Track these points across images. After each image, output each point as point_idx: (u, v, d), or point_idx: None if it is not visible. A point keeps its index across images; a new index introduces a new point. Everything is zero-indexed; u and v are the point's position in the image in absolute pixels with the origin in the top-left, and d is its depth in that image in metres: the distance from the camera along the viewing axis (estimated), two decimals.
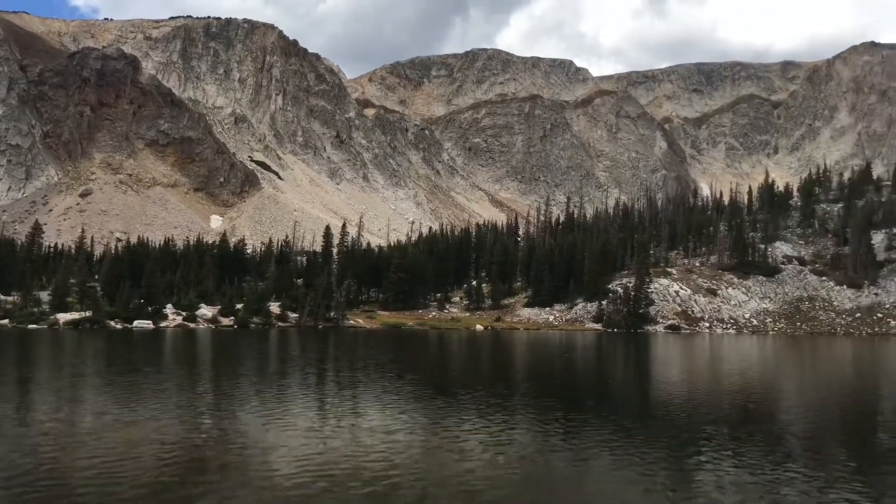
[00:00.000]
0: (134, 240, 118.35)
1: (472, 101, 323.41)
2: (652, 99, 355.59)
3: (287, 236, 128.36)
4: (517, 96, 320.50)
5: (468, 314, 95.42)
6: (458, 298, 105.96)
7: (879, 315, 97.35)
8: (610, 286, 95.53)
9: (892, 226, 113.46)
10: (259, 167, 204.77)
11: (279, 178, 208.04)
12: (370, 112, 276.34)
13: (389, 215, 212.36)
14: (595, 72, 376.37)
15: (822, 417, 20.43)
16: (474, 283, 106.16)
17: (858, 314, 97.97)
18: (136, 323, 65.83)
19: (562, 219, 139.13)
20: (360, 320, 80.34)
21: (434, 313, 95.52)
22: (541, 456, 13.49)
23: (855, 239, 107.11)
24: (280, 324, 73.98)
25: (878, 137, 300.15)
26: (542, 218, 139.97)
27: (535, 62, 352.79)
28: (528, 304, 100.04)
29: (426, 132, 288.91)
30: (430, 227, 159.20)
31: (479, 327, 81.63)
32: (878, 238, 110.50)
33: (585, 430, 15.80)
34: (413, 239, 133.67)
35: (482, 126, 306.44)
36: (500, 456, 13.17)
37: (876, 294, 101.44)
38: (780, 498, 10.76)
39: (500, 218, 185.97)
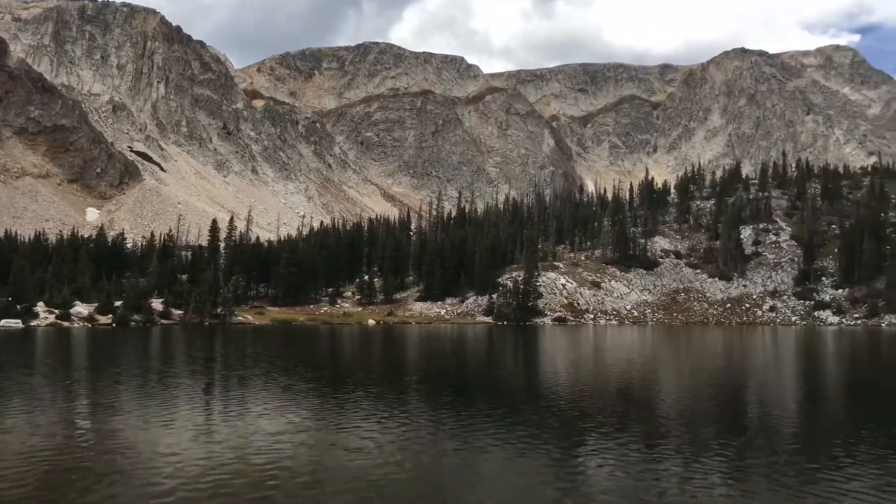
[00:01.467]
0: (0, 234, 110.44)
1: (363, 95, 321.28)
2: (540, 97, 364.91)
3: (171, 230, 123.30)
4: (409, 91, 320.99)
5: (360, 309, 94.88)
6: (350, 293, 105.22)
7: (747, 305, 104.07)
8: (500, 280, 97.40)
9: (758, 222, 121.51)
10: (140, 158, 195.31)
11: (161, 169, 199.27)
12: (259, 103, 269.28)
13: (279, 209, 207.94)
14: (486, 69, 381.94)
15: (697, 401, 21.62)
16: (366, 277, 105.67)
17: (729, 304, 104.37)
18: (2, 322, 61.50)
19: (453, 213, 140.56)
20: (248, 316, 78.32)
21: (326, 308, 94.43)
22: (433, 450, 13.59)
23: (725, 234, 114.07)
24: (163, 321, 70.98)
25: (746, 138, 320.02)
26: (434, 213, 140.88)
27: (427, 57, 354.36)
28: (421, 299, 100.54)
29: (317, 125, 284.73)
30: (322, 222, 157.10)
31: (371, 322, 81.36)
32: (746, 233, 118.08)
33: (478, 423, 16.05)
34: (304, 233, 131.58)
35: (374, 120, 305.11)
36: (393, 453, 13.15)
37: (744, 286, 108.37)
38: (666, 481, 11.29)
39: (393, 212, 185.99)
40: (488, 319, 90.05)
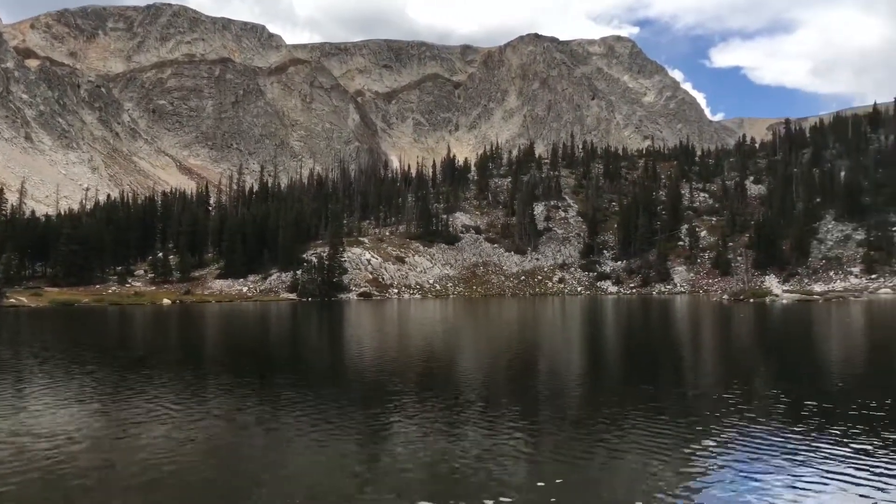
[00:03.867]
0: None
1: (155, 60, 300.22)
2: (345, 71, 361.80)
3: None
4: (206, 58, 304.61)
5: (154, 288, 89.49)
6: (142, 272, 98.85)
7: (539, 277, 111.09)
8: (305, 256, 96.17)
9: (550, 199, 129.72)
10: None
11: None
12: (33, 63, 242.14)
13: (59, 181, 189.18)
14: (289, 40, 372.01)
15: (495, 370, 22.77)
16: (161, 254, 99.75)
17: (523, 277, 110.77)
18: None
19: (255, 188, 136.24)
20: (23, 298, 70.94)
21: (114, 288, 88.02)
22: (234, 436, 13.16)
23: (521, 210, 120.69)
24: None
25: (539, 120, 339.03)
26: (234, 187, 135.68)
27: (226, 24, 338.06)
28: (221, 276, 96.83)
29: (102, 90, 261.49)
30: (109, 195, 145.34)
31: (166, 301, 76.95)
32: (539, 210, 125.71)
33: (282, 404, 15.78)
34: (88, 207, 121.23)
35: (168, 87, 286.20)
36: (187, 441, 12.58)
37: (537, 259, 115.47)
38: (461, 449, 11.75)
39: (190, 186, 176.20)
40: (293, 296, 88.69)
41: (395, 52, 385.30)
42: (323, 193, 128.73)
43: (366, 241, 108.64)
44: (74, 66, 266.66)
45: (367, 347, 30.57)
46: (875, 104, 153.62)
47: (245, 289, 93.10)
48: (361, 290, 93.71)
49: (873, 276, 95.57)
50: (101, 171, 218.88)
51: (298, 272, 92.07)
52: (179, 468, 10.66)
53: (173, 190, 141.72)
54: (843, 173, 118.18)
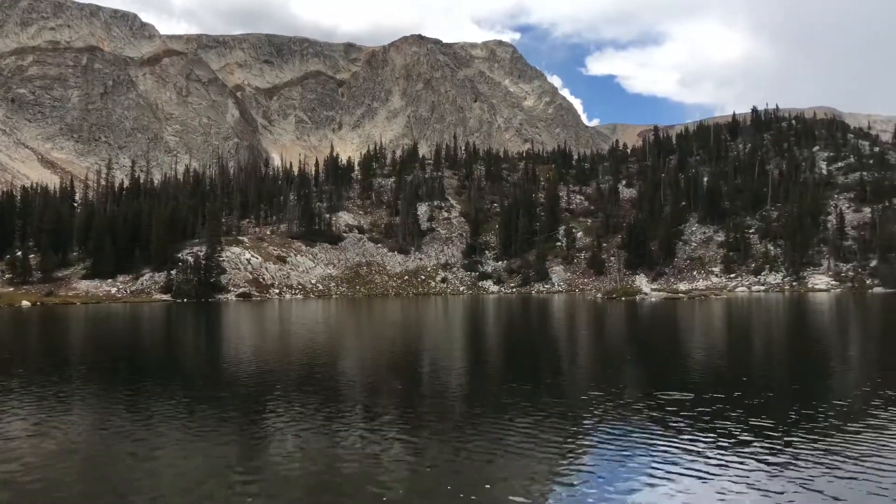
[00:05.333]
0: None
1: (15, 46, 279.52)
2: (224, 65, 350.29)
3: None
4: (72, 46, 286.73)
5: (12, 289, 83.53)
6: None
7: (423, 277, 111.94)
8: (180, 255, 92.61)
9: (433, 199, 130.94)
10: None
11: None
12: None
13: None
14: (163, 30, 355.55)
15: (377, 371, 22.80)
16: (19, 253, 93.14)
17: (406, 277, 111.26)
18: None
19: (126, 184, 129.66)
20: None
21: None
22: (100, 443, 12.56)
23: (404, 210, 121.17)
24: None
25: (423, 121, 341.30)
26: (103, 182, 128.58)
27: (94, 10, 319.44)
28: (88, 276, 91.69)
29: None
30: None
31: (25, 303, 71.98)
32: (422, 210, 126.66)
33: (154, 411, 15.16)
34: None
35: (29, 75, 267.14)
36: (53, 453, 11.90)
37: (420, 259, 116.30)
38: (342, 452, 11.73)
39: (53, 181, 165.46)
40: (167, 297, 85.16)
41: (276, 48, 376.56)
42: (200, 191, 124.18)
43: (245, 240, 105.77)
44: None
45: (244, 350, 29.83)
46: (734, 114, 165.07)
47: (114, 290, 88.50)
48: (241, 290, 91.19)
49: (732, 276, 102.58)
50: None
51: (173, 272, 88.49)
52: (48, 484, 10.06)
53: (35, 185, 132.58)
54: (705, 179, 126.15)
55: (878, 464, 10.10)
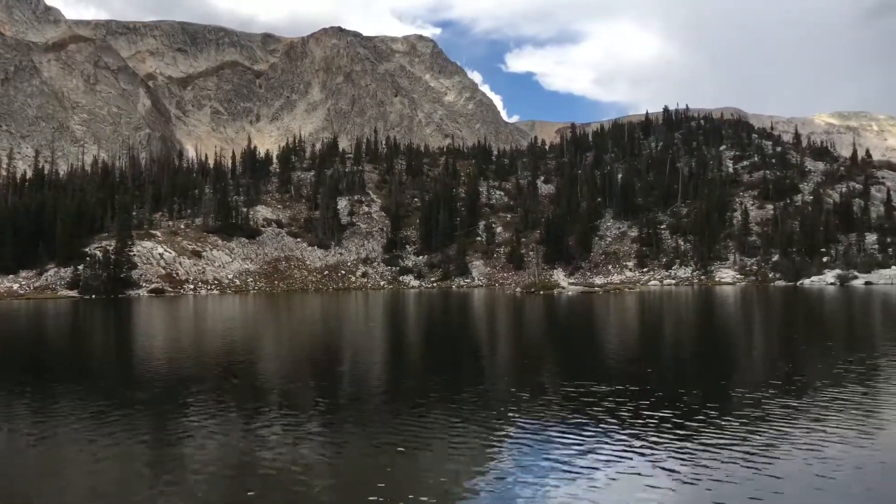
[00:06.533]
0: None
1: None
2: (134, 52, 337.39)
3: None
4: None
5: None
6: None
7: (343, 272, 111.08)
8: (88, 250, 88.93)
9: (353, 194, 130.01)
10: None
11: None
12: None
13: None
14: (70, 14, 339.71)
15: (295, 367, 22.55)
16: None
17: (327, 272, 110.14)
18: None
19: (30, 175, 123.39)
20: None
21: None
22: (5, 447, 11.99)
23: (324, 204, 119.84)
24: None
25: (343, 114, 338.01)
26: (4, 173, 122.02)
27: None
28: None
29: None
30: None
31: None
32: (342, 204, 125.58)
33: (60, 411, 14.55)
34: None
35: None
36: None
37: (340, 254, 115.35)
38: (259, 450, 11.58)
39: None
40: (73, 293, 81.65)
41: (190, 36, 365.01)
42: (109, 183, 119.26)
43: (158, 234, 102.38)
44: None
45: (157, 349, 28.94)
46: (647, 113, 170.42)
47: (16, 286, 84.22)
48: (153, 286, 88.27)
49: (645, 270, 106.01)
50: None
51: (80, 267, 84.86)
52: None
53: None
54: (620, 175, 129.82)
55: (788, 449, 10.71)
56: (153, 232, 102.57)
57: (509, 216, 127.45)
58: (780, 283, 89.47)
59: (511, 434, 12.11)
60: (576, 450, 10.79)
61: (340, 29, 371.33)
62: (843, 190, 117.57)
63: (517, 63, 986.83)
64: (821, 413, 12.81)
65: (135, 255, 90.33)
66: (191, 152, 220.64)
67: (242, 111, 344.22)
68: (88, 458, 11.03)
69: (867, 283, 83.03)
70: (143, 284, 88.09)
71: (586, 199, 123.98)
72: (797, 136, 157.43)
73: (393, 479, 9.80)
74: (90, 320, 48.72)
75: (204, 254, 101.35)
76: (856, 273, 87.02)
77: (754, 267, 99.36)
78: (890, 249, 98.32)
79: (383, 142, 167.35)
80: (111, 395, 16.53)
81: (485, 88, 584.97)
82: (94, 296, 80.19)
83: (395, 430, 12.33)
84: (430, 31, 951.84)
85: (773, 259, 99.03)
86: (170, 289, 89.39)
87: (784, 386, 15.57)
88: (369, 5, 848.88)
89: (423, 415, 13.56)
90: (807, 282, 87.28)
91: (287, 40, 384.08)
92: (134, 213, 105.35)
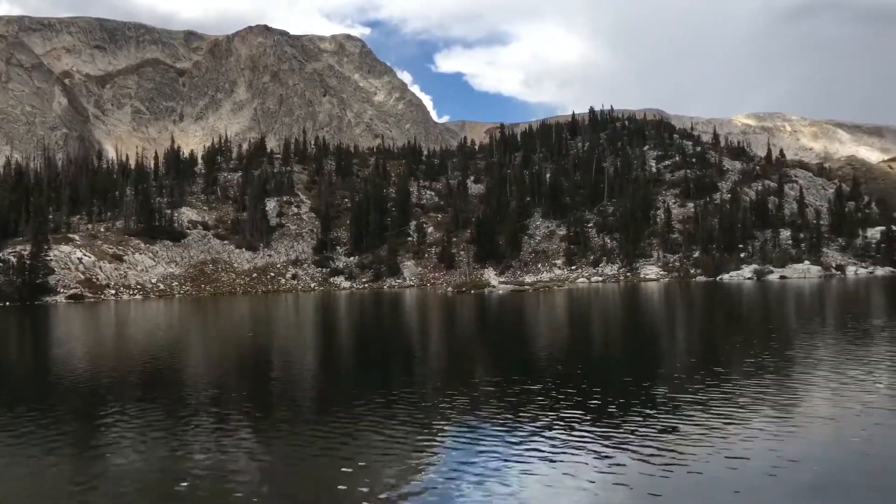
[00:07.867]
0: None
1: None
2: (49, 50, 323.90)
3: None
4: None
5: None
6: None
7: (272, 274, 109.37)
8: (1, 255, 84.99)
9: (282, 194, 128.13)
10: None
11: None
12: None
13: None
14: None
15: (222, 372, 22.06)
16: None
17: (255, 274, 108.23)
18: None
19: None
20: None
21: None
22: None
23: (252, 206, 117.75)
24: None
25: (271, 114, 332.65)
26: None
27: None
28: None
29: None
30: None
31: None
32: (271, 205, 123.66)
33: None
34: None
35: None
36: None
37: (269, 255, 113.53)
38: (185, 458, 11.30)
39: None
40: None
41: (109, 33, 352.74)
42: (23, 185, 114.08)
43: (77, 237, 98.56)
44: None
45: (75, 355, 27.85)
46: (574, 114, 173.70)
47: None
48: (72, 291, 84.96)
49: (573, 268, 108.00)
50: None
51: None
52: None
53: None
54: (548, 175, 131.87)
55: (713, 441, 11.07)
56: (71, 236, 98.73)
57: (440, 216, 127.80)
58: (701, 278, 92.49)
59: (443, 433, 12.15)
60: (509, 449, 10.87)
61: (267, 27, 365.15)
62: (759, 188, 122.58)
63: (447, 63, 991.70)
64: (741, 405, 13.30)
65: (52, 259, 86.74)
66: (111, 153, 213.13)
67: (165, 110, 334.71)
68: (4, 474, 10.56)
69: (782, 277, 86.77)
70: (61, 290, 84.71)
71: (516, 198, 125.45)
72: (716, 136, 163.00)
73: (325, 482, 9.69)
74: (2, 328, 46.55)
75: (126, 257, 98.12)
76: (771, 268, 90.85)
77: (676, 263, 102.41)
78: (803, 245, 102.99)
79: (312, 142, 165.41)
80: (22, 407, 15.78)
81: (414, 89, 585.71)
82: (7, 303, 76.66)
83: (326, 434, 12.20)
84: (358, 31, 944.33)
85: (695, 255, 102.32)
86: (90, 294, 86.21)
87: (706, 379, 16.10)
88: (296, 4, 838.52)
89: (355, 417, 13.47)
90: (726, 277, 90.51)
91: (211, 38, 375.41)
92: (50, 217, 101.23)
